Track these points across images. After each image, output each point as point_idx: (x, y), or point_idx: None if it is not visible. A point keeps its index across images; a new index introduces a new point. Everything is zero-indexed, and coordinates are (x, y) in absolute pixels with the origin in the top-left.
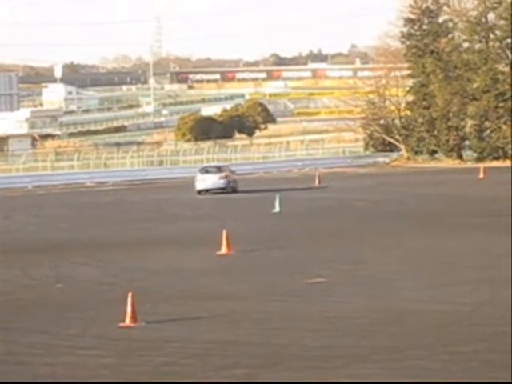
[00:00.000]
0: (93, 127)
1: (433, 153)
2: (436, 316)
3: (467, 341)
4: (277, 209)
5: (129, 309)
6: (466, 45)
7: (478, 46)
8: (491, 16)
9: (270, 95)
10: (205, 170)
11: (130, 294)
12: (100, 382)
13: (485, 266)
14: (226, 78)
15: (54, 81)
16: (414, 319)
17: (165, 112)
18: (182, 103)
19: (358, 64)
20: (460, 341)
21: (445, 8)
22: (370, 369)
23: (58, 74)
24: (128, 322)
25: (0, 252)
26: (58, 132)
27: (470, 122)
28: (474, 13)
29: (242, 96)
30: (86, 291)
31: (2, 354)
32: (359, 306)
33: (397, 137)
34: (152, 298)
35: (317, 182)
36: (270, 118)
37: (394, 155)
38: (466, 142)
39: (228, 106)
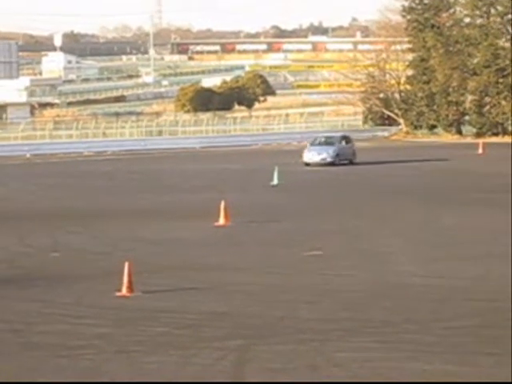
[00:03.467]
0: (92, 96)
1: (432, 127)
2: (431, 290)
3: (461, 316)
4: (275, 181)
5: (125, 279)
6: (467, 20)
7: (479, 21)
8: None
9: (270, 67)
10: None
11: (126, 264)
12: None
13: (481, 241)
14: (227, 49)
15: (54, 49)
16: (409, 293)
17: (164, 83)
18: (181, 74)
19: (358, 37)
20: (454, 315)
21: None
22: (364, 342)
23: (58, 42)
24: (124, 291)
25: None
26: (56, 101)
27: (469, 97)
28: None
29: (242, 68)
30: (82, 260)
31: None
32: (356, 279)
33: (396, 111)
34: (148, 268)
35: None
36: (269, 90)
37: (393, 129)
38: (466, 117)
39: (228, 77)
